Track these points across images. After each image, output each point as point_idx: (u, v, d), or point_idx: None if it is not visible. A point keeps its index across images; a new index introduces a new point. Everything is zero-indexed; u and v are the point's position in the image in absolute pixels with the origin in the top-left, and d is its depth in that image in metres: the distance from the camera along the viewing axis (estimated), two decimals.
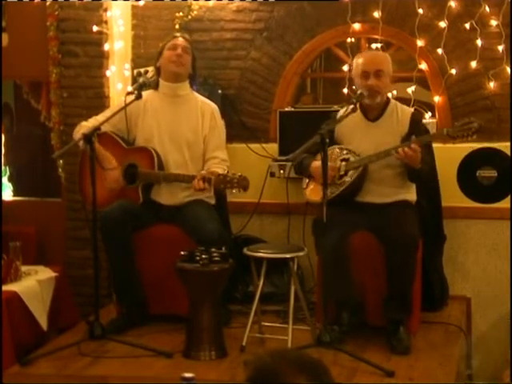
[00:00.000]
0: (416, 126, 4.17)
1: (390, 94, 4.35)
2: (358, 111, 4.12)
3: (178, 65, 4.34)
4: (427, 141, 4.08)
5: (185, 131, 4.34)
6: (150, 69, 4.77)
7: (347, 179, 4.14)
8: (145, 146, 4.31)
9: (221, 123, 4.46)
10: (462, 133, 3.90)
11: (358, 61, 4.17)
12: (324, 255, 4.00)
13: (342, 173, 4.15)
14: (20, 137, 5.47)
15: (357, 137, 4.20)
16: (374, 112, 4.19)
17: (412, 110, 4.34)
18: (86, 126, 4.26)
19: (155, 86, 4.39)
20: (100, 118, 4.33)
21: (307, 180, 4.32)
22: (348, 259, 4.03)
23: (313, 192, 4.26)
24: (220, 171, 4.12)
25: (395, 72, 4.34)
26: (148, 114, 4.35)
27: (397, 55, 5.12)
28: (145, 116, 4.36)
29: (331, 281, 3.92)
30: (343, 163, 4.16)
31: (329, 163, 3.81)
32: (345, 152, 4.17)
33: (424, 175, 4.07)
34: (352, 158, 4.14)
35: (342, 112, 4.21)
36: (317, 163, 4.13)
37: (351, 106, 3.98)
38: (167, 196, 4.31)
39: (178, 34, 4.46)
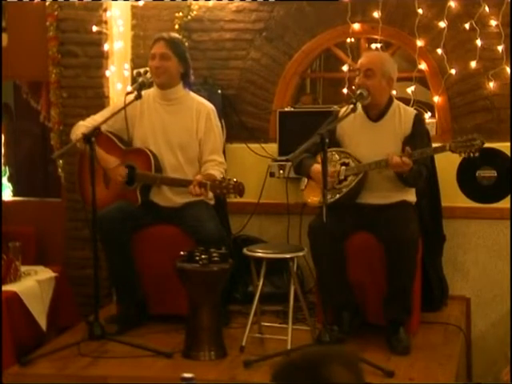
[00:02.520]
0: (419, 128, 4.16)
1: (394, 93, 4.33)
2: (361, 111, 4.11)
3: (156, 76, 4.29)
4: (422, 156, 3.98)
5: (178, 133, 4.30)
6: None
7: (346, 185, 4.12)
8: (142, 147, 4.30)
9: (217, 124, 4.38)
10: (464, 149, 3.87)
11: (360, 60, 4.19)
12: (319, 262, 4.01)
13: (342, 178, 4.12)
14: (20, 137, 5.47)
15: (358, 137, 4.18)
16: (374, 111, 4.17)
17: (415, 111, 4.32)
18: (84, 125, 4.24)
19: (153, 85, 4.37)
20: (97, 117, 4.32)
21: (306, 181, 4.29)
22: (344, 265, 4.04)
23: (311, 194, 4.25)
24: (217, 174, 4.10)
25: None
26: (145, 116, 4.34)
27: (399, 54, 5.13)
28: (142, 117, 4.34)
29: (328, 287, 3.92)
30: (343, 168, 4.14)
31: (329, 168, 3.80)
32: (344, 156, 4.16)
33: (409, 182, 4.05)
34: (352, 163, 4.12)
35: (342, 111, 4.21)
36: (318, 167, 4.08)
37: (351, 106, 3.97)
38: (166, 198, 4.30)
39: (159, 36, 4.32)
